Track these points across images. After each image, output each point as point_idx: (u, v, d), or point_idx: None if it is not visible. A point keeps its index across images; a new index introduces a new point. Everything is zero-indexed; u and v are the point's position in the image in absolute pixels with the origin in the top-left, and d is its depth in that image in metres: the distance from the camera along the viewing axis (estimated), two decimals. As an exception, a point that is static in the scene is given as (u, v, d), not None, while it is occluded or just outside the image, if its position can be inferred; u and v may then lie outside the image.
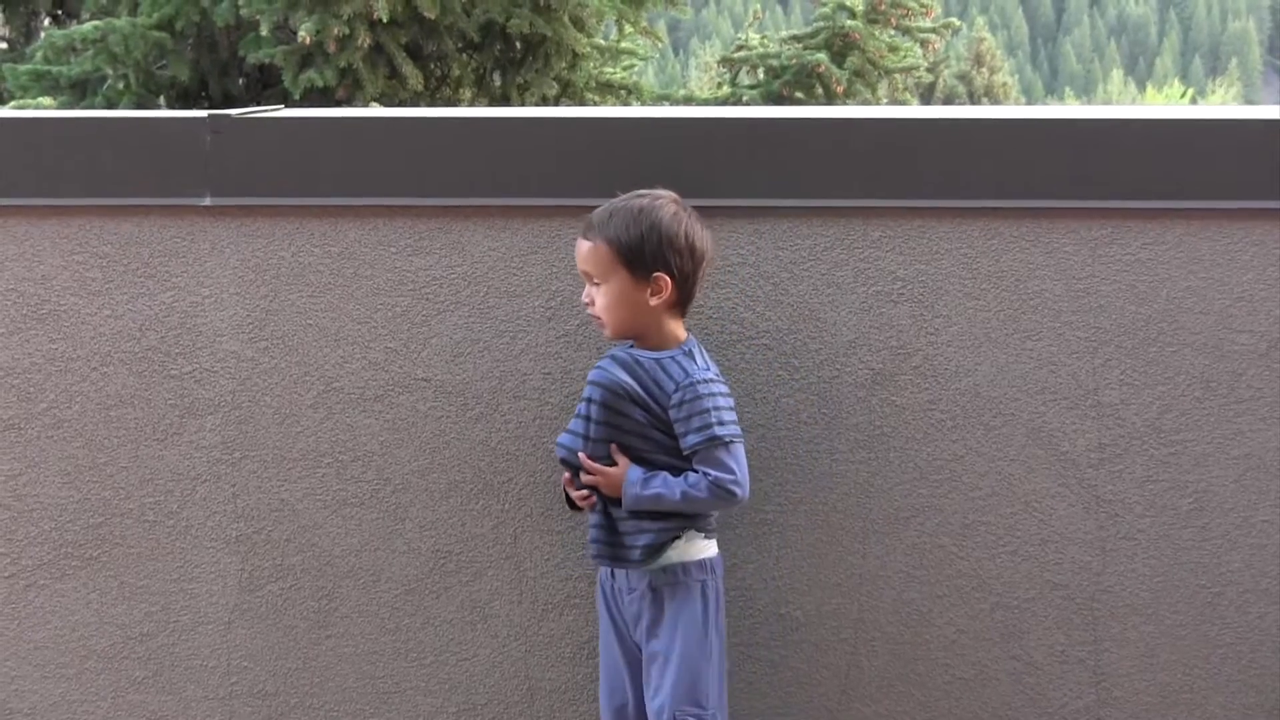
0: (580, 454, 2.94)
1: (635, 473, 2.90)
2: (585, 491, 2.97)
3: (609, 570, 3.01)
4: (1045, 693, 3.27)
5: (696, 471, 2.89)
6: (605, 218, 2.92)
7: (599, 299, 2.93)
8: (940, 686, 3.28)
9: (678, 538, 2.94)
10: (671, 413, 2.89)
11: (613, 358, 2.97)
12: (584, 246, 2.93)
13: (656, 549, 2.93)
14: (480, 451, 3.27)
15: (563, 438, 2.99)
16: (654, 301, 2.92)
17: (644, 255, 2.90)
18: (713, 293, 3.19)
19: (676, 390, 2.89)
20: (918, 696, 3.28)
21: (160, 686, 3.36)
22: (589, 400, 2.95)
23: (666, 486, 2.88)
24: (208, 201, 3.25)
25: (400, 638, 3.32)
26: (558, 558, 3.28)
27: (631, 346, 3.00)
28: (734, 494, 2.88)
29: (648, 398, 2.90)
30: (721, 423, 2.88)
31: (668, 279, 2.91)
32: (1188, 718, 3.26)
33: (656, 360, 2.93)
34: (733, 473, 2.88)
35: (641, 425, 2.91)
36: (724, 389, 2.93)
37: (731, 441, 2.89)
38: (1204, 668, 3.25)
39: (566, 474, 3.02)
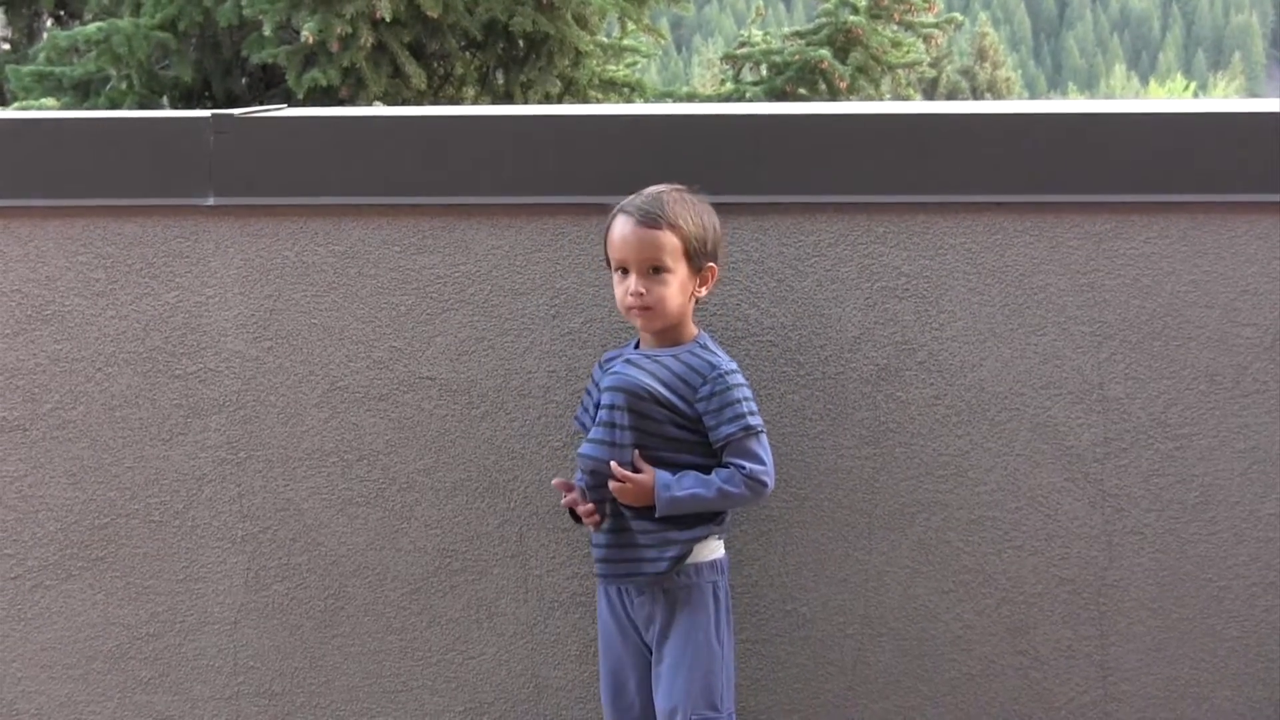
0: (611, 462, 2.89)
1: (665, 476, 2.86)
2: (590, 508, 2.93)
3: None
4: (1052, 687, 3.26)
5: (726, 466, 2.87)
6: (664, 207, 2.88)
7: (658, 288, 2.88)
8: (947, 682, 3.27)
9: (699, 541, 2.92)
10: (700, 405, 2.87)
11: (627, 361, 2.94)
12: (648, 234, 2.87)
13: (681, 559, 2.90)
14: (485, 450, 3.27)
15: (586, 448, 2.94)
16: (703, 292, 2.95)
17: (705, 247, 2.92)
18: (717, 289, 3.18)
19: (705, 383, 2.87)
20: (924, 692, 3.28)
21: (167, 686, 3.36)
22: (612, 407, 2.90)
23: (702, 484, 2.85)
24: (211, 201, 3.25)
25: (406, 636, 3.32)
26: (563, 556, 3.28)
27: (636, 345, 2.99)
28: (766, 485, 2.87)
29: (671, 395, 2.87)
30: (752, 413, 2.88)
31: (717, 270, 2.96)
32: (1195, 711, 3.26)
33: (675, 355, 2.91)
34: (764, 463, 2.87)
35: (664, 425, 2.89)
36: (745, 380, 2.92)
37: (761, 432, 2.89)
38: (1211, 661, 3.25)
39: (571, 494, 2.97)
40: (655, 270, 2.88)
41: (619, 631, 3.01)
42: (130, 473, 3.31)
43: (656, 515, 2.87)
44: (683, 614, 2.92)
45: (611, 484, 2.88)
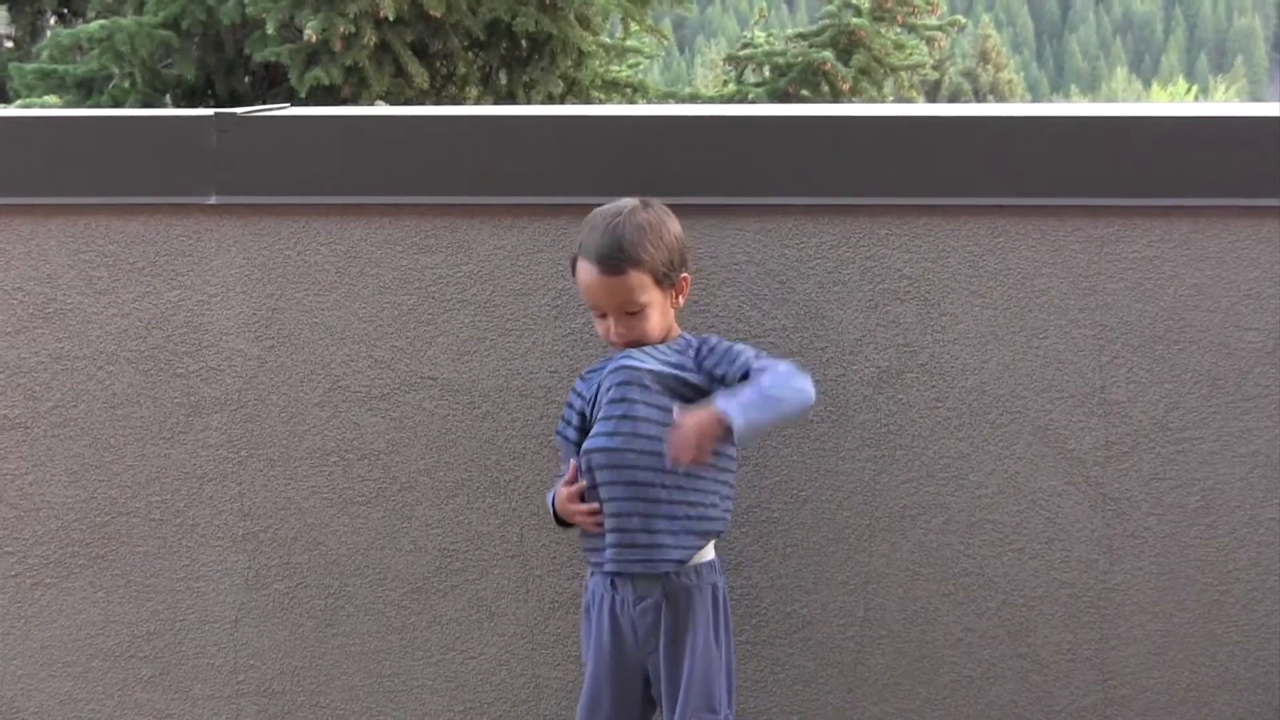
0: (673, 420, 2.75)
1: (718, 398, 2.75)
2: (592, 508, 2.87)
3: (610, 581, 2.93)
4: (1052, 691, 3.26)
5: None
6: (623, 248, 2.82)
7: (640, 324, 2.86)
8: (947, 685, 3.27)
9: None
10: (706, 364, 2.85)
11: (626, 354, 2.90)
12: (615, 281, 2.83)
13: (695, 549, 2.88)
14: (487, 450, 3.27)
15: (597, 441, 2.85)
16: (680, 301, 2.95)
17: (673, 266, 2.90)
18: (719, 291, 3.19)
19: (696, 349, 2.87)
20: (924, 695, 3.28)
21: (167, 685, 3.36)
22: (624, 400, 2.84)
23: (769, 381, 2.77)
24: (213, 200, 3.26)
25: (406, 636, 3.32)
26: (564, 556, 3.28)
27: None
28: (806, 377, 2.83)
29: (676, 371, 2.84)
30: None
31: (688, 276, 2.95)
32: (1195, 716, 3.26)
33: (667, 345, 2.91)
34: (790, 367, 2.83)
35: (673, 412, 2.81)
36: None
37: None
38: (1211, 666, 3.25)
39: (577, 485, 2.90)
40: (630, 311, 2.87)
41: (607, 644, 2.94)
42: (131, 471, 3.31)
43: (737, 437, 2.73)
44: (685, 617, 2.88)
45: (671, 442, 2.74)
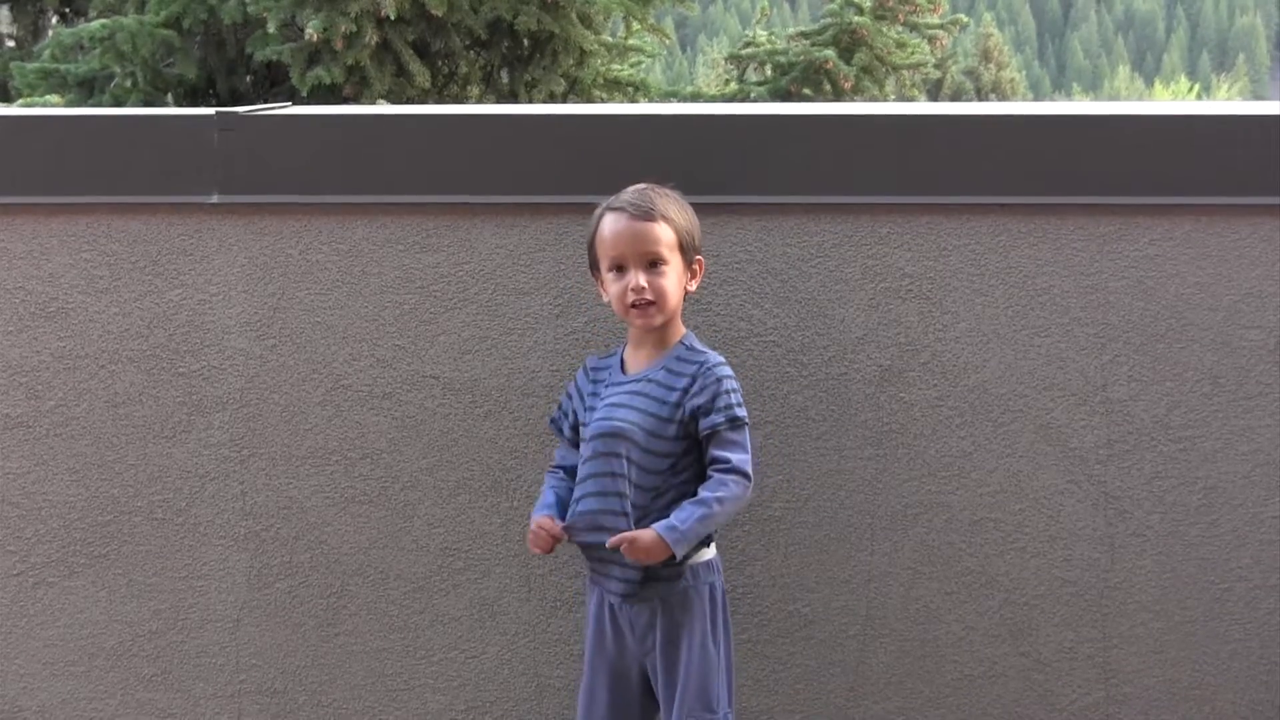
0: (612, 538, 2.81)
1: (662, 522, 2.79)
2: (547, 546, 2.90)
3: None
4: (1054, 689, 3.26)
5: (709, 474, 2.83)
6: (654, 201, 2.89)
7: (659, 280, 2.86)
8: (949, 683, 3.27)
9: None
10: (692, 401, 2.84)
11: (612, 404, 2.89)
12: (644, 227, 2.86)
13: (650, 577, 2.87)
14: (488, 449, 3.27)
15: (586, 504, 2.87)
16: (693, 286, 2.96)
17: (694, 240, 2.94)
18: (721, 290, 3.19)
19: (695, 380, 2.86)
20: (926, 693, 3.28)
21: (169, 684, 3.36)
22: (610, 454, 2.84)
23: (699, 505, 2.80)
24: (215, 199, 3.26)
25: (408, 635, 3.32)
26: (566, 555, 3.27)
27: (621, 356, 2.98)
28: (750, 476, 2.84)
29: (660, 417, 2.84)
30: (739, 405, 2.86)
31: (703, 260, 2.97)
32: (1197, 714, 3.26)
33: (665, 367, 2.89)
34: (747, 452, 2.84)
35: (657, 455, 2.84)
36: (733, 374, 2.90)
37: (746, 424, 2.87)
38: (1213, 664, 3.25)
39: (546, 532, 2.91)
40: (653, 264, 2.87)
41: (601, 640, 2.96)
42: (133, 470, 3.31)
43: (677, 560, 2.81)
44: (681, 617, 2.88)
45: (622, 549, 2.80)
